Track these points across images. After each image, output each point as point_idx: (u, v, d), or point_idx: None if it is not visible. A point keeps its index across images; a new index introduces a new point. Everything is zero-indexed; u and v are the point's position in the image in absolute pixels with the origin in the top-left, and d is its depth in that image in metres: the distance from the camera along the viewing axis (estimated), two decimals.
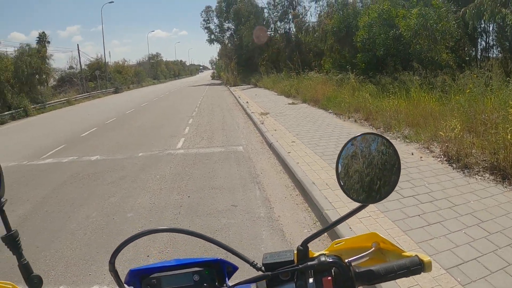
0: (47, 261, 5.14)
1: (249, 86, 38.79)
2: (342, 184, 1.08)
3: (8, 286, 1.08)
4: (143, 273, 1.26)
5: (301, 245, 1.06)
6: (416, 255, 1.08)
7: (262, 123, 13.98)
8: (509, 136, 6.64)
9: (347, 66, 19.40)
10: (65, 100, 38.19)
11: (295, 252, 1.08)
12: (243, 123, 16.22)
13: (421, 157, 8.19)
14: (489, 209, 5.44)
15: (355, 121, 12.99)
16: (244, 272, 1.20)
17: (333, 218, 5.48)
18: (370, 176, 1.08)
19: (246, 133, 13.86)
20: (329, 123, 13.31)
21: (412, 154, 8.49)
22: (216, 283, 1.26)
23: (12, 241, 0.94)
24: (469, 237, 4.73)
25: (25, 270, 0.96)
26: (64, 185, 8.62)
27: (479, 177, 6.72)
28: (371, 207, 5.88)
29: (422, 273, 1.07)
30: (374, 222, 5.25)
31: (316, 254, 1.09)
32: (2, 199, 0.92)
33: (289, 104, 19.77)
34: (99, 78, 54.53)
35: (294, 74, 26.56)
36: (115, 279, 1.11)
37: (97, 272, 4.80)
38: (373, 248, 1.19)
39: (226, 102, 26.64)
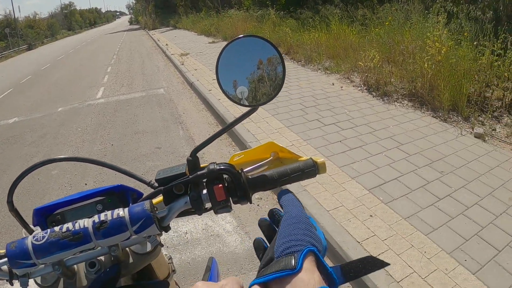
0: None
1: (169, 28, 37.89)
2: (222, 89, 1.04)
3: None
4: (48, 211, 1.23)
5: (190, 156, 1.03)
6: (310, 158, 1.07)
7: (182, 64, 13.75)
8: (425, 65, 6.84)
9: (267, 2, 19.15)
10: None
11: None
12: (163, 65, 15.91)
13: (341, 87, 8.35)
14: (408, 133, 5.67)
15: None
16: None
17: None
18: (255, 79, 1.06)
19: (166, 75, 13.64)
20: None
21: (333, 84, 8.63)
22: None
23: None
24: (389, 159, 4.93)
25: None
26: None
27: (398, 104, 6.96)
28: (292, 136, 6.02)
29: (317, 175, 1.05)
30: (297, 150, 5.35)
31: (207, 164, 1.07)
32: None
33: (210, 43, 19.48)
34: (10, 36, 51.84)
35: (214, 13, 26.04)
36: (18, 219, 1.07)
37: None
38: (271, 158, 1.18)
39: (145, 46, 25.97)
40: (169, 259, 1.44)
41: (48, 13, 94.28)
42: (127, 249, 1.13)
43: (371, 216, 3.81)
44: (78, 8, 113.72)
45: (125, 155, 6.53)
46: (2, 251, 0.97)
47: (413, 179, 4.42)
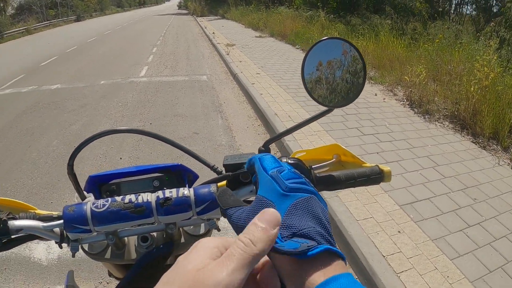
0: (8, 192, 5.09)
1: (217, 17, 37.89)
2: (308, 88, 1.06)
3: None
4: (103, 179, 1.23)
5: (262, 146, 1.06)
6: (376, 165, 1.08)
7: (228, 54, 13.76)
8: (471, 89, 6.74)
9: (318, 4, 18.94)
10: (24, 29, 36.51)
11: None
12: (208, 53, 15.92)
13: (384, 99, 8.26)
14: (446, 155, 5.59)
15: None
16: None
17: (294, 149, 5.53)
18: (336, 80, 1.07)
19: (210, 63, 13.66)
20: (295, 58, 13.15)
21: (376, 95, 8.54)
22: None
23: None
24: (424, 178, 4.88)
25: None
26: (23, 115, 8.39)
27: (439, 124, 6.85)
28: (330, 140, 5.98)
29: (381, 182, 1.07)
30: (317, 138, 5.38)
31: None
32: None
33: (256, 37, 19.43)
34: (60, 5, 52.56)
35: (264, 8, 25.98)
36: (74, 184, 1.08)
37: (58, 199, 4.80)
38: (334, 160, 1.19)
39: (192, 32, 26.01)
40: None
41: None
42: (180, 228, 1.14)
43: (399, 232, 3.78)
44: None
45: (163, 135, 6.53)
46: (56, 213, 1.00)
47: (445, 202, 4.36)
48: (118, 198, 0.91)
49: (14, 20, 41.07)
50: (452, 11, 15.80)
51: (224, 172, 1.06)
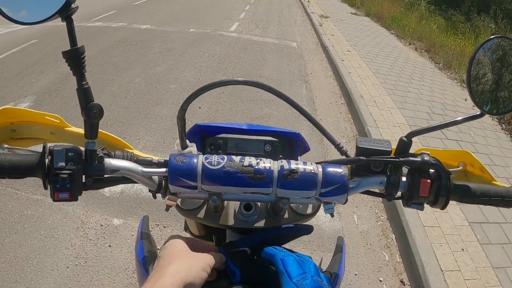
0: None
1: None
2: (469, 86, 0.94)
3: (55, 120, 1.01)
4: (209, 131, 1.15)
5: (405, 137, 0.92)
6: (511, 187, 0.95)
7: (321, 25, 13.48)
8: None
9: None
10: None
11: (393, 146, 0.95)
12: (301, 21, 15.70)
13: (473, 106, 7.83)
14: None
15: (416, 49, 12.31)
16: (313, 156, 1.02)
17: (374, 136, 5.40)
18: (498, 85, 0.96)
19: (302, 31, 13.44)
20: (389, 43, 12.73)
21: (466, 100, 8.10)
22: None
23: (76, 58, 0.76)
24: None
25: (85, 96, 0.79)
26: (110, 48, 8.55)
27: None
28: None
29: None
30: (399, 131, 5.34)
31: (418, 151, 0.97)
32: (73, 5, 0.72)
33: (352, 13, 18.94)
34: None
35: None
36: (180, 130, 0.96)
37: (132, 136, 4.87)
38: (460, 168, 1.08)
39: None
40: None
41: None
42: None
43: (462, 249, 3.58)
44: None
45: (245, 94, 6.50)
46: (156, 158, 0.92)
47: None
48: (236, 158, 0.82)
49: None
50: None
51: (354, 154, 0.94)
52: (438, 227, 3.77)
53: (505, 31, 12.39)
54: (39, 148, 0.83)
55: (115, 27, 10.83)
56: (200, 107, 5.78)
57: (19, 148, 0.96)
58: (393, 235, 3.83)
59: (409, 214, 3.82)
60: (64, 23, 0.74)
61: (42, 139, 1.03)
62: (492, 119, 7.15)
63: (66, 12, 0.72)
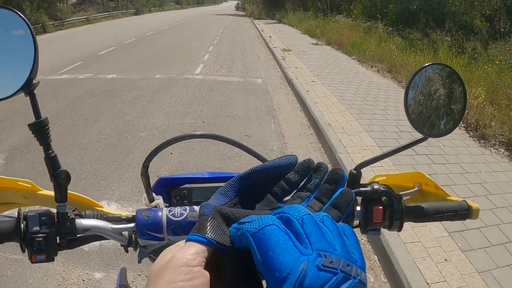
0: None
1: (273, 21, 38.07)
2: (408, 113, 1.01)
3: (27, 184, 1.05)
4: (173, 182, 1.18)
5: (354, 169, 0.99)
6: (464, 200, 1.03)
7: (284, 59, 13.72)
8: None
9: (377, 15, 18.74)
10: (84, 18, 37.52)
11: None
12: (264, 56, 15.97)
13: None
14: (499, 184, 5.30)
15: (378, 71, 12.62)
16: None
17: (346, 162, 5.50)
18: (435, 109, 1.05)
19: (266, 66, 13.68)
20: (351, 68, 12.99)
21: None
22: None
23: (41, 130, 0.83)
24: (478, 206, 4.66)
25: (52, 164, 0.85)
26: (78, 100, 8.60)
27: (494, 150, 6.56)
28: (384, 160, 5.79)
29: (467, 219, 1.03)
30: (384, 171, 5.19)
31: (366, 182, 1.02)
32: (34, 81, 0.80)
33: (313, 44, 19.32)
34: None
35: (322, 15, 25.88)
36: (145, 185, 1.04)
37: (106, 187, 4.87)
38: (416, 188, 1.14)
39: (249, 34, 26.19)
40: None
41: None
42: None
43: (445, 260, 3.63)
44: None
45: (241, 143, 6.53)
46: (125, 214, 0.95)
47: (495, 233, 4.14)
48: (197, 208, 0.87)
49: (75, 9, 42.21)
50: None
51: None
52: (419, 242, 3.82)
53: (461, 42, 12.72)
54: (13, 212, 0.90)
55: (81, 78, 10.92)
56: (171, 153, 5.82)
57: None
58: (375, 256, 3.88)
59: (388, 234, 3.87)
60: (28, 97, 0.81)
61: (16, 204, 1.07)
62: (459, 128, 7.34)
63: (28, 88, 0.80)
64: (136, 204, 4.45)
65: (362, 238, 4.11)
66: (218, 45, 19.34)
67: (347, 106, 8.09)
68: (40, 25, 27.36)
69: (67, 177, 0.85)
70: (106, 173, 5.21)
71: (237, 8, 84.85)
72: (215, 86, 10.24)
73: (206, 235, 0.50)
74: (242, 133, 6.74)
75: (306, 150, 6.26)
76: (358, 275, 0.44)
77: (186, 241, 0.51)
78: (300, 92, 9.12)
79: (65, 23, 32.52)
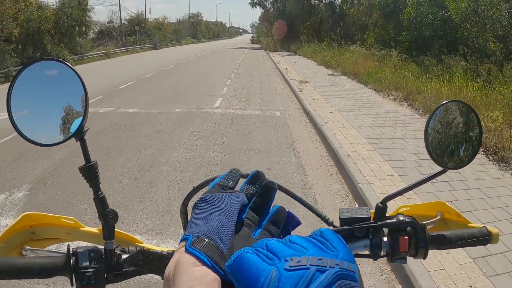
0: (81, 206, 5.27)
1: (289, 53, 38.43)
2: (427, 146, 1.05)
3: (70, 221, 1.10)
4: None
5: (380, 203, 1.04)
6: (484, 226, 1.08)
7: (301, 91, 13.87)
8: None
9: (391, 43, 18.94)
10: (103, 53, 38.31)
11: (371, 210, 1.06)
12: (281, 88, 16.12)
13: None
14: None
15: (394, 99, 12.70)
16: (305, 228, 1.16)
17: (366, 192, 5.51)
18: (454, 142, 1.08)
19: (284, 99, 13.80)
20: (368, 98, 13.10)
21: None
22: (281, 236, 1.24)
23: (91, 172, 0.91)
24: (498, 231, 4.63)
25: (101, 204, 0.94)
26: (100, 134, 8.74)
27: None
28: (403, 186, 5.79)
29: (488, 244, 1.07)
30: (407, 202, 5.18)
31: (390, 215, 1.07)
32: (85, 128, 0.89)
33: (329, 75, 19.48)
34: (138, 33, 54.76)
35: (336, 46, 26.12)
36: (183, 222, 1.07)
37: (130, 220, 4.92)
38: (438, 217, 1.19)
39: (265, 66, 26.46)
40: None
41: (176, 19, 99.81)
42: None
43: (470, 286, 3.62)
44: (204, 19, 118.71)
45: (238, 166, 6.59)
46: (166, 249, 0.98)
47: None
48: None
49: (94, 44, 43.03)
50: None
51: (338, 224, 1.04)
52: (443, 269, 3.82)
53: (476, 65, 12.72)
54: (56, 247, 0.98)
55: (103, 112, 11.12)
56: (193, 186, 5.89)
57: (39, 249, 1.06)
58: (400, 286, 3.88)
59: (411, 262, 3.84)
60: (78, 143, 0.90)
61: (59, 239, 1.13)
62: (479, 153, 7.30)
63: (80, 134, 0.89)
64: (159, 237, 4.51)
65: (386, 268, 4.12)
66: (236, 78, 19.58)
67: (365, 136, 8.14)
68: (61, 59, 27.82)
69: (115, 216, 0.93)
70: (129, 206, 5.28)
71: (252, 41, 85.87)
72: (234, 119, 10.36)
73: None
74: (263, 166, 6.78)
75: (327, 182, 6.27)
76: (337, 265, 0.49)
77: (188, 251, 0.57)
78: (319, 124, 9.20)
79: (85, 57, 33.17)
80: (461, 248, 4.04)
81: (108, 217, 0.92)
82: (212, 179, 1.05)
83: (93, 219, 4.96)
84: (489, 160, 7.00)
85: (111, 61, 34.01)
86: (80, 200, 5.46)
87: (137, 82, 17.83)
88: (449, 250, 4.04)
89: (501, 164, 6.84)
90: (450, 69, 13.35)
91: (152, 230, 4.72)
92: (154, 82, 17.85)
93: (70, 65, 0.90)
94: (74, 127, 0.89)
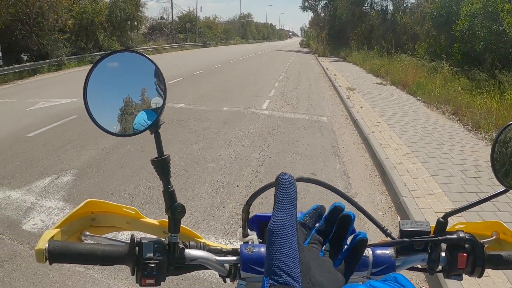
0: (125, 195, 5.45)
1: (338, 59, 38.05)
2: (493, 163, 1.05)
3: (131, 211, 1.15)
4: (266, 219, 1.20)
5: (442, 218, 1.05)
6: None
7: (349, 98, 13.79)
8: None
9: (442, 55, 18.57)
10: (154, 48, 38.94)
11: (431, 224, 1.07)
12: (329, 95, 16.04)
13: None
14: None
15: (443, 113, 12.42)
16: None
17: (410, 206, 5.45)
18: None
19: (331, 105, 13.74)
20: (416, 110, 12.87)
21: None
22: None
23: (163, 166, 0.93)
24: None
25: (170, 197, 0.94)
26: None
27: None
28: (448, 203, 5.75)
29: None
30: (462, 219, 5.12)
31: (448, 230, 1.08)
32: (160, 121, 0.90)
33: (377, 83, 19.23)
34: (189, 31, 55.36)
35: (386, 54, 25.83)
36: (243, 221, 1.12)
37: None
38: (494, 237, 1.17)
39: (314, 71, 26.33)
40: None
41: (227, 18, 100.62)
42: None
43: None
44: (254, 20, 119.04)
45: (281, 171, 6.60)
46: (225, 247, 1.02)
47: None
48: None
49: (145, 39, 43.74)
50: None
51: (397, 236, 1.06)
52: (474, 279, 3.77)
53: None
54: (114, 235, 1.02)
55: None
56: (237, 186, 5.98)
57: (98, 236, 1.09)
58: None
59: (450, 282, 3.81)
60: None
61: (118, 228, 1.17)
62: None
63: (155, 127, 0.91)
64: (200, 233, 4.53)
65: (423, 285, 4.08)
66: (284, 81, 19.59)
67: (412, 149, 8.04)
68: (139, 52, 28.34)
69: (183, 210, 0.95)
70: None
71: (302, 44, 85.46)
72: (281, 122, 10.40)
73: None
74: (307, 171, 6.81)
75: (371, 192, 6.25)
76: None
77: None
78: (366, 133, 9.15)
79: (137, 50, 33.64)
80: (501, 272, 4.02)
81: (176, 211, 0.94)
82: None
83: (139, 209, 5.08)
84: None
85: (161, 56, 34.40)
86: (124, 189, 5.64)
87: (186, 78, 18.10)
88: (488, 273, 4.01)
89: None
90: (502, 85, 13.02)
91: (194, 225, 4.78)
92: (203, 80, 18.08)
93: (149, 57, 0.92)
94: (150, 119, 0.91)
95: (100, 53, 26.39)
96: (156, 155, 0.93)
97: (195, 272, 0.98)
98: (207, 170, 6.56)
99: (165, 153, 0.93)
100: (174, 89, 14.92)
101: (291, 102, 13.63)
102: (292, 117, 11.06)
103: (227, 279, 0.99)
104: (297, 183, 0.77)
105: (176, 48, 45.81)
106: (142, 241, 0.91)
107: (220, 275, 0.99)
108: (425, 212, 5.18)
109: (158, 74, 0.92)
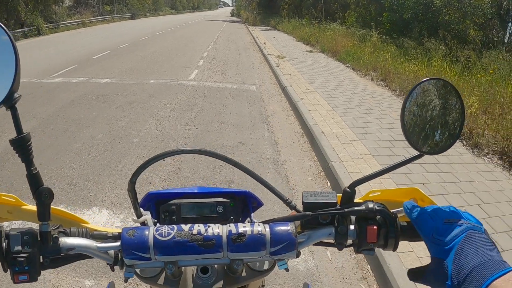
0: (49, 179, 5.14)
1: (268, 28, 38.18)
2: (403, 128, 0.96)
3: (11, 199, 1.02)
4: (162, 197, 1.16)
5: (348, 187, 0.96)
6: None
7: (278, 66, 13.77)
8: None
9: (372, 23, 18.89)
10: (79, 21, 37.52)
11: (338, 194, 0.97)
12: (258, 63, 16.01)
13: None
14: (492, 193, 5.30)
15: (372, 79, 12.66)
16: (267, 209, 1.08)
17: (339, 170, 5.48)
18: (432, 126, 0.99)
19: (260, 73, 13.71)
20: (345, 76, 13.03)
21: None
22: (240, 218, 1.17)
23: (23, 146, 0.79)
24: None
25: (34, 181, 0.81)
26: (71, 104, 8.55)
27: (487, 159, 6.56)
28: (376, 166, 5.83)
29: None
30: (379, 182, 5.17)
31: (359, 200, 1.00)
32: (15, 95, 0.77)
33: (307, 51, 19.36)
34: (116, 2, 53.89)
35: (316, 23, 25.98)
36: (132, 201, 1.00)
37: (98, 193, 4.82)
38: None
39: (243, 40, 26.27)
40: None
41: None
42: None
43: None
44: None
45: (208, 142, 6.57)
46: (111, 231, 0.94)
47: None
48: (185, 227, 0.85)
49: (70, 12, 42.18)
50: (506, 41, 15.36)
51: (301, 209, 0.96)
52: (412, 251, 3.80)
53: (455, 50, 12.78)
54: None
55: (75, 82, 10.88)
56: (164, 160, 5.77)
57: None
58: (369, 266, 3.84)
59: (390, 260, 3.78)
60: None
61: (0, 218, 1.05)
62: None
63: (10, 102, 0.77)
64: (128, 211, 4.42)
65: (365, 266, 4.08)
66: (213, 51, 19.41)
67: (341, 114, 8.09)
68: (35, 27, 27.26)
69: (50, 194, 0.82)
70: (98, 179, 5.16)
71: (232, 14, 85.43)
72: (209, 92, 10.25)
73: None
74: (236, 140, 6.72)
75: (300, 158, 6.23)
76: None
77: None
78: (294, 100, 9.13)
79: (60, 26, 32.41)
80: None
81: (42, 196, 0.81)
82: (159, 156, 0.95)
83: (61, 192, 4.86)
84: (463, 145, 7.02)
85: (87, 30, 33.44)
86: (48, 173, 5.31)
87: (112, 52, 17.56)
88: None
89: (475, 150, 6.85)
90: (429, 52, 13.42)
91: (120, 203, 4.62)
92: (130, 52, 17.62)
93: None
94: (3, 93, 0.77)
95: (23, 29, 25.36)
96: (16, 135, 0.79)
97: None
98: (132, 146, 6.35)
99: (24, 131, 0.80)
100: (99, 63, 14.48)
101: (219, 71, 13.51)
102: (220, 87, 10.94)
103: (116, 267, 0.90)
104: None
105: (103, 20, 44.49)
106: (10, 232, 0.82)
107: (107, 264, 0.89)
108: (355, 176, 5.19)
109: (9, 40, 0.78)
